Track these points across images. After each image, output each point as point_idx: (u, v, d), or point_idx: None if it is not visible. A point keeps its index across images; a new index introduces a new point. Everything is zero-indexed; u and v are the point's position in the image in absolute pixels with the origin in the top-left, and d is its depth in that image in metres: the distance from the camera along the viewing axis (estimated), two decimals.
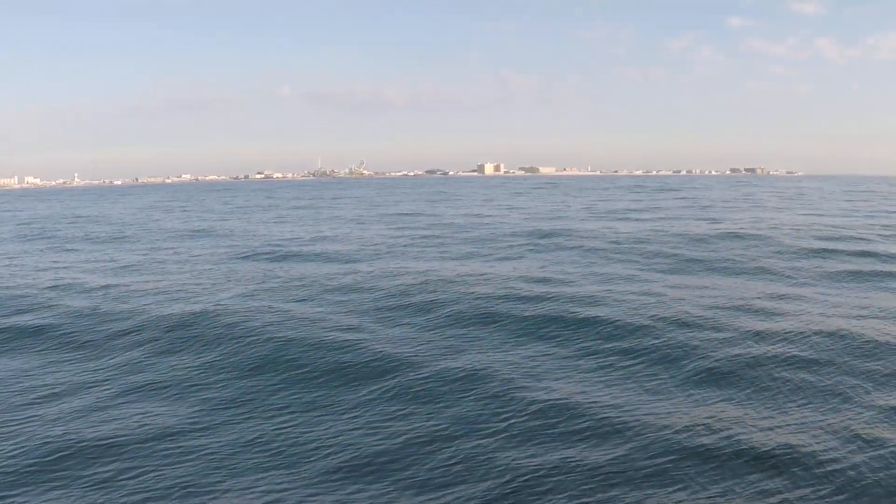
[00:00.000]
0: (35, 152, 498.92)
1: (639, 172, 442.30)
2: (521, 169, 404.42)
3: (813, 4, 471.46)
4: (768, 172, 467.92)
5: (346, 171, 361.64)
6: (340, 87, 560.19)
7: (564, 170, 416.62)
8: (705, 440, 9.60)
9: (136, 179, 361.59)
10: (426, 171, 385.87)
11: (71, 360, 14.31)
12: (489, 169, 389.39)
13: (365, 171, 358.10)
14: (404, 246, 31.24)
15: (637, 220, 47.10)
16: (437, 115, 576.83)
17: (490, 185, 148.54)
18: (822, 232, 35.94)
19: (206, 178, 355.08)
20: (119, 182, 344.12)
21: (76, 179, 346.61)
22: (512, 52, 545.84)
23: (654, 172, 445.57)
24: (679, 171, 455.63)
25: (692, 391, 11.68)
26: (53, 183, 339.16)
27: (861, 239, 32.45)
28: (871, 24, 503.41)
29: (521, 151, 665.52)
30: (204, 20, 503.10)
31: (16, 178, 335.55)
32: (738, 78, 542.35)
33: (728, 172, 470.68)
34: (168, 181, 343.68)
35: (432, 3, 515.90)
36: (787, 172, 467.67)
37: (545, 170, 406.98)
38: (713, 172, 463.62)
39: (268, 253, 29.71)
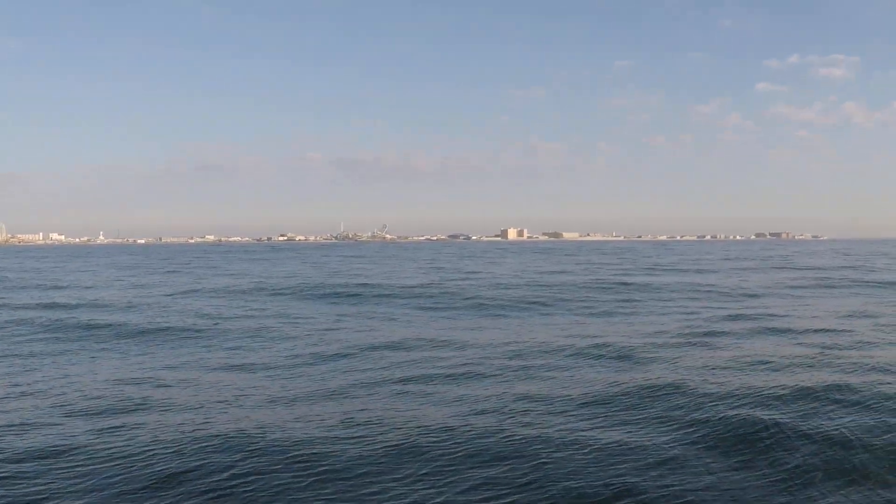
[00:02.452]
0: (63, 210, 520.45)
1: (662, 237, 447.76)
2: (545, 234, 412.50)
3: (841, 69, 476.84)
4: (794, 237, 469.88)
5: (369, 234, 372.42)
6: (369, 155, 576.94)
7: (588, 235, 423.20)
8: None
9: (160, 239, 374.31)
10: (449, 236, 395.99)
11: None
12: (512, 234, 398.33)
13: (387, 235, 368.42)
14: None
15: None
16: (464, 182, 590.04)
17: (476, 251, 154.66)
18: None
19: (230, 240, 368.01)
20: (143, 241, 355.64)
21: (101, 237, 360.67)
22: (541, 119, 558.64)
23: (679, 237, 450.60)
24: (703, 237, 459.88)
25: None
26: (77, 240, 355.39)
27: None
28: None
29: (545, 217, 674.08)
30: (236, 90, 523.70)
31: (41, 234, 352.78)
32: (764, 143, 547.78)
33: (753, 237, 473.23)
34: (191, 241, 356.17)
35: (462, 69, 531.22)
36: (813, 237, 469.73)
37: (568, 235, 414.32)
38: (738, 238, 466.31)
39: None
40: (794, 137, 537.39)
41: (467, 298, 34.40)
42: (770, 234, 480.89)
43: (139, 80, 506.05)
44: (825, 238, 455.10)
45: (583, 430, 11.26)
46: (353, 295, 37.23)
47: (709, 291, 38.61)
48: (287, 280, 49.35)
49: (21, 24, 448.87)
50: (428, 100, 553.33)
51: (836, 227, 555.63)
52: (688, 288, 40.70)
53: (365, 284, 43.25)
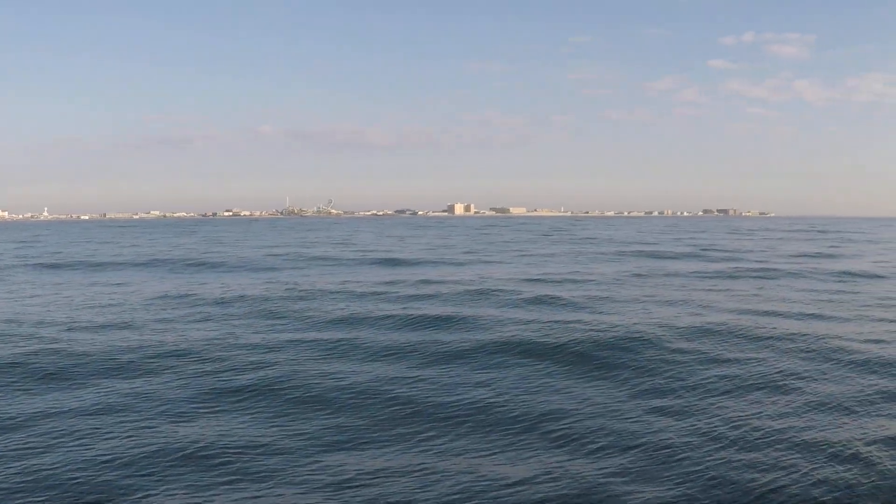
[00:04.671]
0: (4, 186, 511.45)
1: (610, 213, 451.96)
2: (492, 210, 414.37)
3: (795, 47, 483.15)
4: (741, 213, 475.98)
5: (315, 209, 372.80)
6: (322, 128, 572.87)
7: (535, 210, 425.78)
8: None
9: (104, 215, 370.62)
10: (395, 211, 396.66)
11: None
12: (459, 209, 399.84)
13: (333, 210, 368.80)
14: None
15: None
16: (418, 156, 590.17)
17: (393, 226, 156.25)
18: None
19: (175, 215, 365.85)
20: (86, 217, 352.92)
21: (45, 213, 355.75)
22: (497, 92, 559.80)
23: (626, 213, 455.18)
24: (651, 213, 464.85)
25: None
26: (21, 216, 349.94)
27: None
28: (851, 66, 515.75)
29: (496, 192, 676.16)
30: (188, 61, 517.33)
31: None
32: (718, 119, 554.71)
33: (701, 213, 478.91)
34: (136, 217, 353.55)
35: (419, 41, 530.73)
36: (761, 213, 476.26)
37: (516, 210, 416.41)
38: (686, 214, 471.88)
39: None
40: (747, 114, 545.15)
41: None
42: (718, 211, 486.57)
43: (86, 52, 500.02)
44: (773, 215, 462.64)
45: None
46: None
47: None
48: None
49: None
50: (384, 72, 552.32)
51: (787, 204, 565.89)
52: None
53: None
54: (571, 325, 19.93)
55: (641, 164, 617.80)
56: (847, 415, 12.10)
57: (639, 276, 34.87)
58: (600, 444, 10.63)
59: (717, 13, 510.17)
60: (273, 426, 11.40)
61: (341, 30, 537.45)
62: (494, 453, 10.30)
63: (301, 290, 28.42)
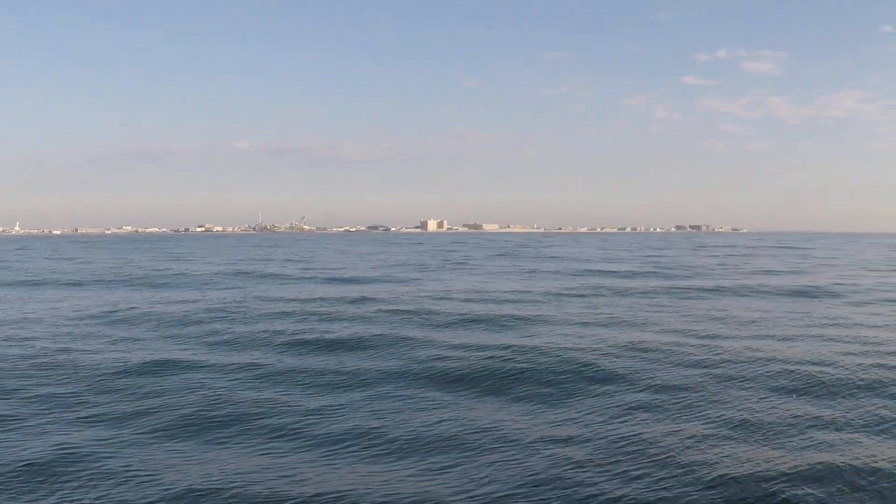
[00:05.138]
0: None
1: (583, 229, 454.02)
2: (465, 226, 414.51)
3: (767, 64, 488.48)
4: (713, 230, 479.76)
5: (287, 225, 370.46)
6: (299, 143, 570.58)
7: (508, 227, 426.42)
8: None
9: (76, 230, 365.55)
10: (368, 227, 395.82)
11: None
12: (432, 225, 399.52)
13: (305, 227, 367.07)
14: None
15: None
16: (394, 171, 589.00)
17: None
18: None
19: (147, 231, 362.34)
20: (58, 232, 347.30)
21: (17, 228, 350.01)
22: (473, 109, 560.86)
23: (599, 229, 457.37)
24: (624, 229, 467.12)
25: None
26: None
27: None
28: (824, 83, 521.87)
29: (470, 208, 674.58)
30: (166, 73, 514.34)
31: None
32: (691, 136, 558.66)
33: (673, 229, 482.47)
34: (108, 232, 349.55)
35: (397, 58, 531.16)
36: (733, 229, 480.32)
37: (489, 227, 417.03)
38: (658, 230, 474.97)
39: None
40: (720, 131, 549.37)
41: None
42: (690, 227, 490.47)
43: (59, 64, 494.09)
44: (745, 231, 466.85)
45: None
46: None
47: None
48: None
49: None
50: (362, 87, 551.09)
51: (760, 220, 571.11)
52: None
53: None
54: (486, 347, 18.90)
55: (615, 180, 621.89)
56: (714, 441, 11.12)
57: (581, 295, 33.64)
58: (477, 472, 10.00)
59: (690, 30, 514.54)
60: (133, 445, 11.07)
61: (319, 45, 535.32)
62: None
63: (219, 310, 27.05)
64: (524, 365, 16.64)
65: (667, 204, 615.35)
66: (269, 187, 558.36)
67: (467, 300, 30.97)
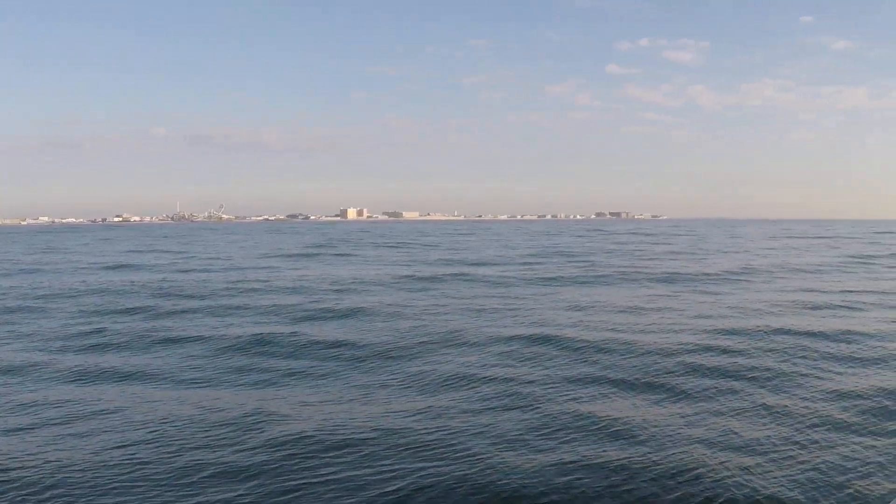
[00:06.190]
0: None
1: (503, 217, 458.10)
2: (385, 214, 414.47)
3: (688, 53, 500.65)
4: (633, 216, 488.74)
5: (205, 214, 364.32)
6: (219, 129, 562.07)
7: (428, 214, 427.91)
8: None
9: None
10: (288, 216, 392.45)
11: None
12: (352, 213, 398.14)
13: (224, 216, 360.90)
14: None
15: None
16: (315, 159, 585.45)
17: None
18: None
19: (64, 221, 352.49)
20: None
21: None
22: (395, 96, 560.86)
23: (519, 217, 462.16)
24: (544, 216, 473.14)
25: None
26: None
27: None
28: (744, 72, 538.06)
29: (391, 196, 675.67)
30: (83, 62, 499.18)
31: None
32: (613, 123, 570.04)
33: (594, 216, 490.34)
34: (24, 223, 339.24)
35: (319, 43, 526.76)
36: (653, 216, 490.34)
37: (409, 215, 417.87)
38: (579, 217, 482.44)
39: None
40: (642, 118, 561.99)
41: None
42: (610, 214, 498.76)
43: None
44: (665, 217, 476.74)
45: None
46: None
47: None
48: None
49: None
50: (282, 73, 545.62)
51: (680, 207, 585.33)
52: None
53: None
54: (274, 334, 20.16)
55: (537, 167, 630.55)
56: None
57: (422, 279, 35.70)
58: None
59: (612, 18, 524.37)
60: None
61: (239, 30, 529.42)
62: None
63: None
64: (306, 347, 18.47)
65: (589, 191, 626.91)
66: (187, 175, 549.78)
67: (285, 288, 32.62)
